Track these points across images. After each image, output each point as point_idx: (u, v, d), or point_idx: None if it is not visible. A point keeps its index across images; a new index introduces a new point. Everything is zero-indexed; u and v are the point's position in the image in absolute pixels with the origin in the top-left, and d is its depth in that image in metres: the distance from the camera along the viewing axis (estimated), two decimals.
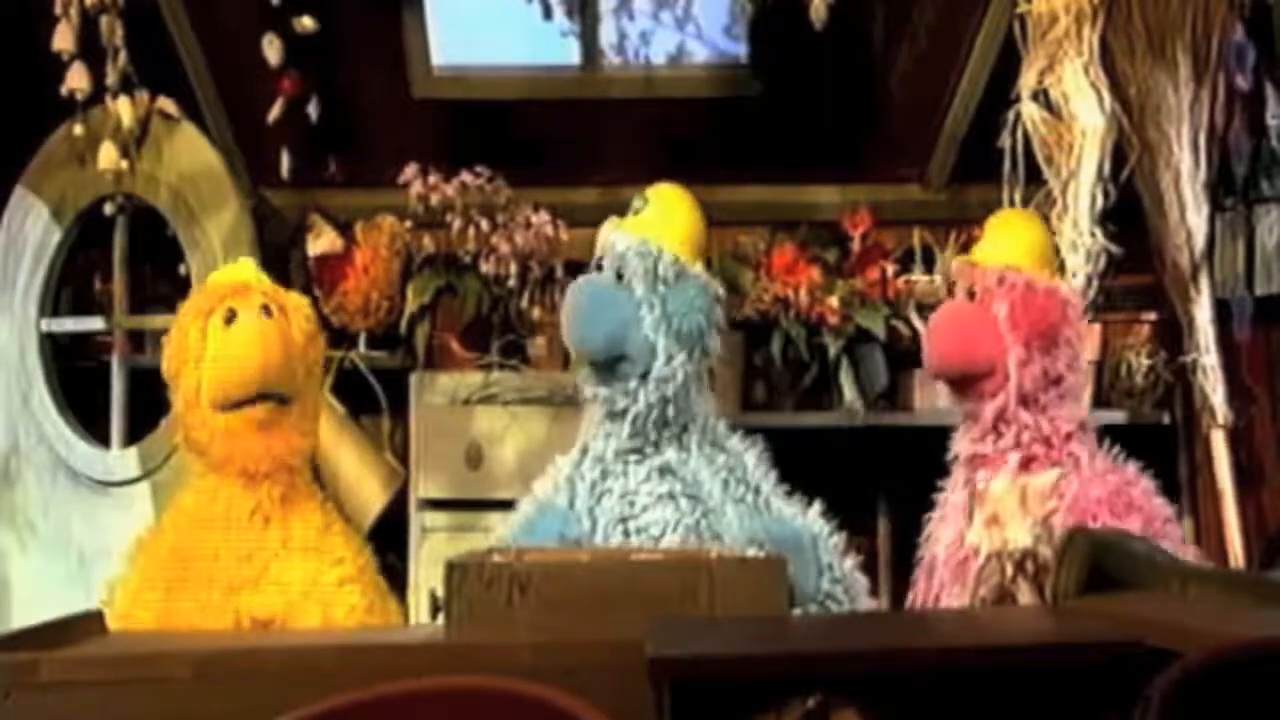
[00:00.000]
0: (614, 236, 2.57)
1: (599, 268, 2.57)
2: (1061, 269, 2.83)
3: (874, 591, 2.74)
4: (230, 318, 2.45)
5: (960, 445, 2.66)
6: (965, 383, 2.65)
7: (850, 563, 2.50)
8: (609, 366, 2.53)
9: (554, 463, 2.64)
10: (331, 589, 2.44)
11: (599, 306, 2.54)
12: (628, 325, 2.51)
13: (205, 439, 2.43)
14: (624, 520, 2.49)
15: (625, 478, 2.52)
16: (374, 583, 2.51)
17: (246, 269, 2.55)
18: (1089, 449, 2.59)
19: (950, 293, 2.83)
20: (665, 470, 2.52)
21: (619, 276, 2.53)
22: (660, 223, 2.59)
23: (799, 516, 2.51)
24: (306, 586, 2.41)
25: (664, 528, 2.46)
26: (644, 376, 2.51)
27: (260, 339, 2.43)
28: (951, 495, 2.66)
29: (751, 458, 2.58)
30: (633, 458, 2.54)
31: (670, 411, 2.52)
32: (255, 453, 2.43)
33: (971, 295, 2.67)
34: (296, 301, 2.54)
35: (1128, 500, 2.50)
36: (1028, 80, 3.07)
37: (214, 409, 2.42)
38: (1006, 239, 2.73)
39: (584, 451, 2.60)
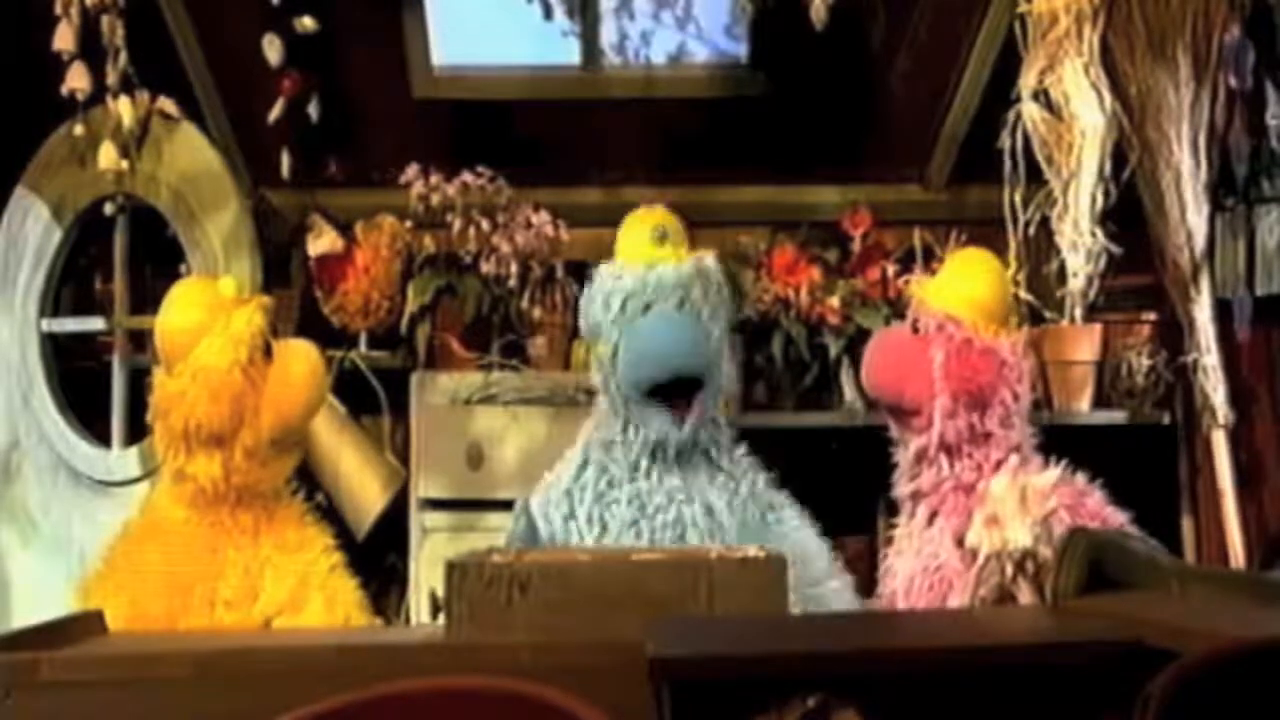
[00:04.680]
0: (658, 272, 2.59)
1: (646, 306, 2.58)
2: (1033, 318, 2.86)
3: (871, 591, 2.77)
4: (266, 350, 2.46)
5: (900, 485, 2.70)
6: (894, 411, 2.71)
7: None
8: (664, 393, 2.55)
9: (549, 474, 2.65)
10: (327, 576, 2.46)
11: (696, 336, 2.57)
12: (709, 353, 2.58)
13: (254, 478, 2.44)
14: (635, 523, 2.50)
15: (634, 483, 2.54)
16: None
17: (227, 288, 2.53)
18: (1033, 466, 2.60)
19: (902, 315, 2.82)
20: (676, 477, 2.54)
21: (680, 305, 2.57)
22: (683, 243, 2.67)
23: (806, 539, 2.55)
24: (303, 576, 2.44)
25: (681, 529, 2.48)
26: (708, 395, 2.58)
27: (309, 369, 2.49)
28: (903, 529, 2.70)
29: (756, 470, 2.61)
30: (643, 468, 2.55)
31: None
32: (272, 477, 2.46)
33: (915, 328, 2.69)
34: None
35: (1088, 511, 2.51)
36: (1028, 80, 3.07)
37: (273, 449, 2.44)
38: (960, 283, 2.71)
39: (584, 465, 2.61)
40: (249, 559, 2.43)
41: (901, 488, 2.69)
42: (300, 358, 2.51)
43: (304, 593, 2.43)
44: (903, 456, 2.69)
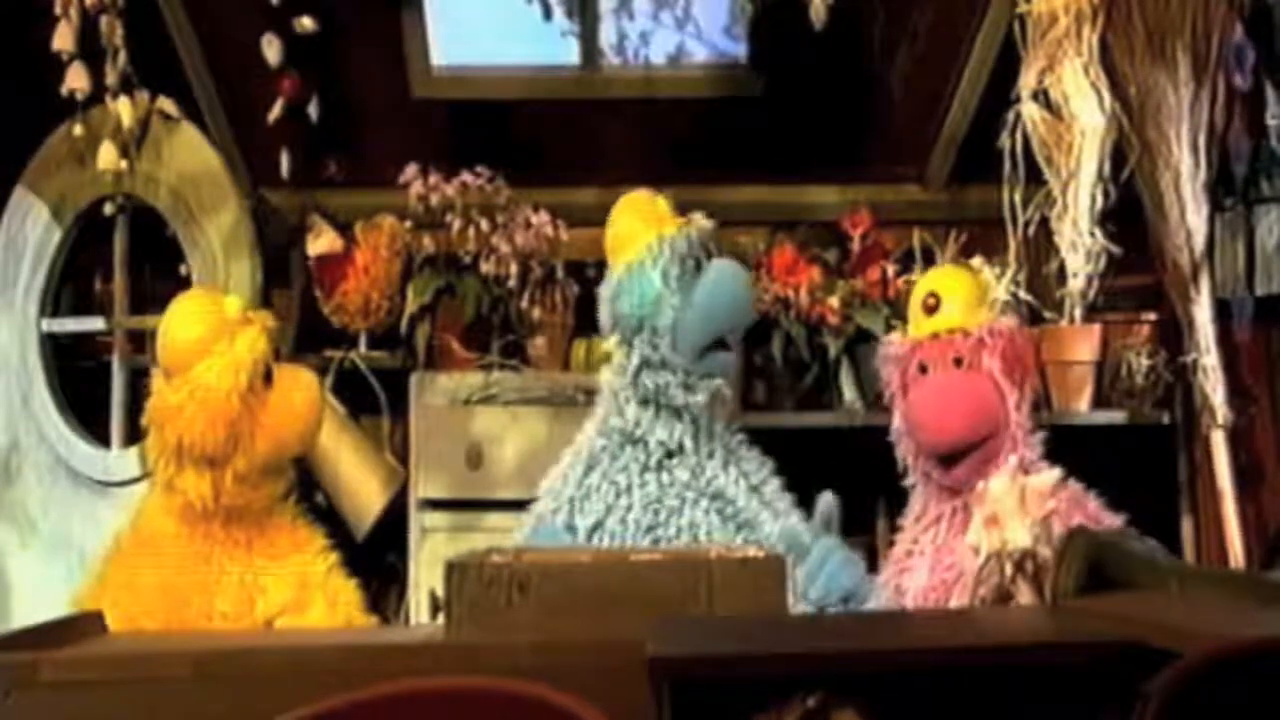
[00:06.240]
0: (687, 231, 2.66)
1: (697, 264, 2.66)
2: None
3: None
4: (266, 375, 2.43)
5: (940, 507, 2.68)
6: (971, 449, 2.66)
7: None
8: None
9: (550, 477, 2.65)
10: (326, 577, 2.45)
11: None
12: None
13: (245, 500, 2.42)
14: (651, 529, 2.50)
15: (645, 488, 2.54)
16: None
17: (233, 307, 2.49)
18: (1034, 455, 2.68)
19: (922, 370, 2.77)
20: (692, 475, 2.55)
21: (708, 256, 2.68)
22: None
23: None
24: (302, 578, 2.43)
25: (695, 531, 2.48)
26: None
27: (310, 399, 2.49)
28: (920, 546, 2.68)
29: (755, 456, 2.62)
30: (653, 471, 2.56)
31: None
32: (262, 498, 2.45)
33: (959, 363, 2.70)
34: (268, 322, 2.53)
35: (1088, 513, 2.51)
36: (1028, 80, 3.07)
37: (264, 474, 2.42)
38: (967, 295, 2.77)
39: (589, 469, 2.60)
40: (243, 569, 2.41)
41: (942, 503, 2.67)
42: (302, 387, 2.49)
43: (305, 595, 2.42)
44: (956, 494, 2.67)
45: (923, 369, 2.74)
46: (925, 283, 2.84)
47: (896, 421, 2.78)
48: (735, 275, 2.70)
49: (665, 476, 2.56)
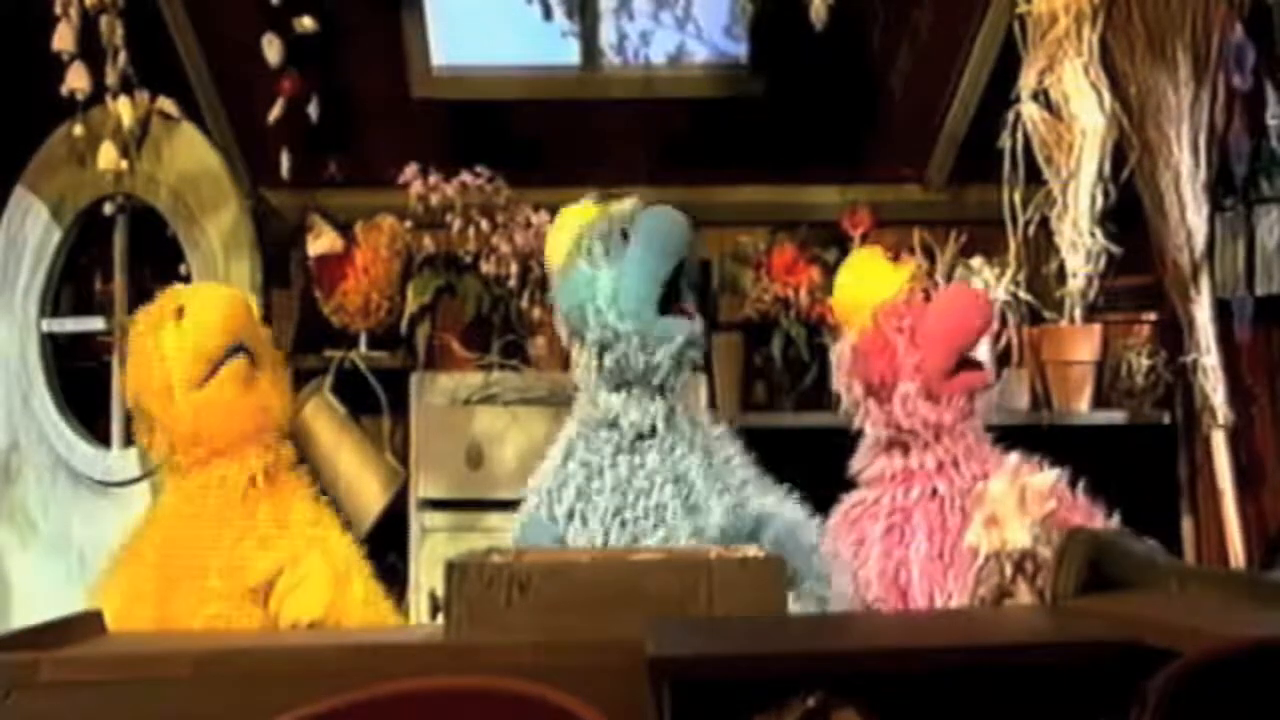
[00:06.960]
0: (609, 209, 2.59)
1: (624, 234, 2.55)
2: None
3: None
4: (179, 313, 2.54)
5: (918, 458, 2.67)
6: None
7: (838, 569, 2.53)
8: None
9: (535, 476, 2.65)
10: (334, 543, 2.49)
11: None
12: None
13: (188, 425, 2.46)
14: (619, 511, 2.50)
15: (616, 469, 2.53)
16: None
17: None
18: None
19: (927, 297, 2.78)
20: (662, 460, 2.53)
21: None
22: None
23: (782, 509, 2.53)
24: (307, 539, 2.46)
25: (661, 514, 2.47)
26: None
27: (220, 299, 2.58)
28: (875, 524, 2.66)
29: (730, 446, 2.60)
30: (625, 454, 2.54)
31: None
32: (240, 413, 2.47)
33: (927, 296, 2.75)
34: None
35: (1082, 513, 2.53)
36: (1028, 80, 3.08)
37: (190, 388, 2.46)
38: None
39: (566, 458, 2.60)
40: (246, 526, 2.49)
41: (921, 458, 2.67)
42: (205, 294, 2.67)
43: (307, 553, 2.46)
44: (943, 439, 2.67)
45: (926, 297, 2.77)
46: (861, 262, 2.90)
47: (907, 358, 2.68)
48: (667, 214, 2.56)
49: (636, 459, 2.54)
